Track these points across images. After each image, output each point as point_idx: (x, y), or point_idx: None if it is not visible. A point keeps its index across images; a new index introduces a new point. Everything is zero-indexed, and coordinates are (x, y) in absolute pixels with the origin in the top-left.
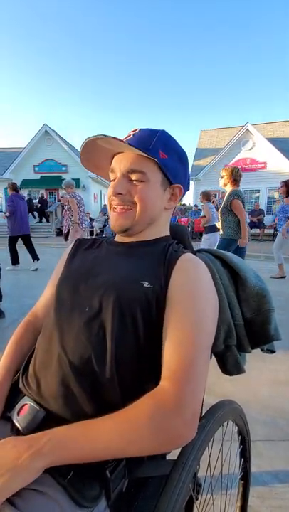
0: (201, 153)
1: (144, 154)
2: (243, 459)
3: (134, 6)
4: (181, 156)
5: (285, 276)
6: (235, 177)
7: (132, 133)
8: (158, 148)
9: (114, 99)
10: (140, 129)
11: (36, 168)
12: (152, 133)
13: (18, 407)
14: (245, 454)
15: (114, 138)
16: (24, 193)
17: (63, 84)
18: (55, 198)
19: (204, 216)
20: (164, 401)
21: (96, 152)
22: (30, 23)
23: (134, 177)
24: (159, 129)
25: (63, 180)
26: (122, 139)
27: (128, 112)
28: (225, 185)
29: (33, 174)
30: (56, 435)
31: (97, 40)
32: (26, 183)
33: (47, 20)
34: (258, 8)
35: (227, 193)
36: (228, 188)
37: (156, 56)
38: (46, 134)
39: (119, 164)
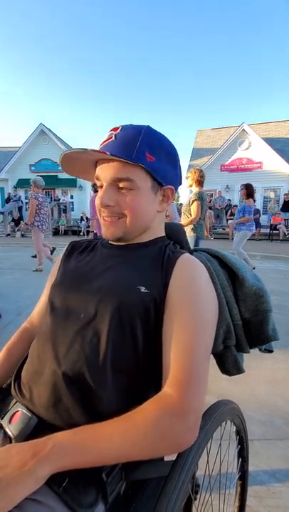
0: (197, 152)
1: (129, 162)
2: (240, 459)
3: (134, 4)
4: (169, 153)
5: (254, 268)
6: (198, 178)
7: (113, 133)
8: (144, 151)
9: (111, 97)
10: (122, 128)
11: (32, 168)
12: (136, 133)
13: (9, 414)
14: (243, 454)
15: (94, 151)
16: (20, 192)
17: (61, 82)
18: (51, 197)
19: (168, 216)
20: (169, 407)
21: (78, 160)
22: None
23: (122, 185)
24: (142, 125)
25: (60, 179)
26: (103, 142)
27: (124, 109)
28: (190, 185)
29: (29, 174)
30: (61, 441)
31: (94, 37)
32: (22, 183)
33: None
34: (257, 8)
35: (191, 194)
36: (194, 189)
37: (154, 53)
38: (42, 133)
39: (104, 173)
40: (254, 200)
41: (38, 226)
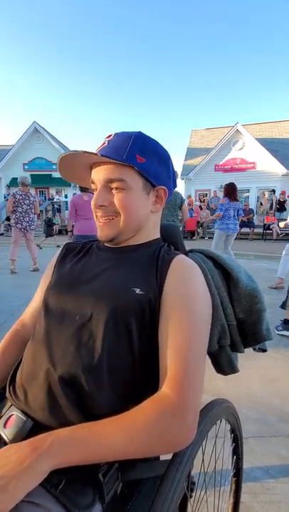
0: (191, 152)
1: (119, 163)
2: (235, 456)
3: (133, 4)
4: (161, 155)
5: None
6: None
7: (106, 139)
8: (134, 153)
9: (107, 96)
10: (115, 134)
11: (26, 167)
12: (127, 137)
13: (4, 418)
14: (237, 451)
15: (85, 152)
16: (13, 191)
17: (56, 80)
18: (45, 196)
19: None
20: (167, 406)
21: (74, 165)
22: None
23: (114, 185)
24: (134, 131)
25: (54, 179)
26: (97, 148)
27: (119, 109)
28: None
29: (23, 172)
30: (60, 436)
31: (91, 31)
32: (15, 182)
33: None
34: (255, 8)
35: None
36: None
37: (150, 52)
38: (36, 131)
39: (98, 175)
40: (230, 199)
41: (13, 224)
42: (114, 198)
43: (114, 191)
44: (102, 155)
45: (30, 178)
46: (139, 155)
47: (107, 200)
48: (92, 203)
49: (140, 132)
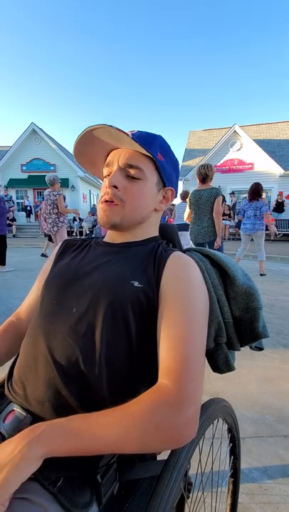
0: (189, 153)
1: (144, 152)
2: (232, 457)
3: (131, 3)
4: (175, 163)
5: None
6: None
7: (129, 132)
8: (157, 150)
9: (106, 96)
10: (138, 131)
11: (24, 168)
12: (152, 135)
13: (3, 414)
14: (234, 452)
15: (117, 129)
16: (12, 192)
17: (54, 81)
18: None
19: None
20: (166, 399)
21: (91, 146)
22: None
23: (132, 172)
24: (156, 133)
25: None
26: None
27: (118, 111)
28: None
29: (21, 173)
30: (55, 424)
31: (90, 36)
32: (13, 183)
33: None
34: (254, 8)
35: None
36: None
37: (148, 54)
38: (34, 132)
39: (117, 157)
40: (248, 200)
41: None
42: (128, 185)
43: (129, 178)
44: (132, 138)
45: (53, 176)
46: (160, 153)
47: (120, 183)
48: (107, 181)
49: (162, 136)
